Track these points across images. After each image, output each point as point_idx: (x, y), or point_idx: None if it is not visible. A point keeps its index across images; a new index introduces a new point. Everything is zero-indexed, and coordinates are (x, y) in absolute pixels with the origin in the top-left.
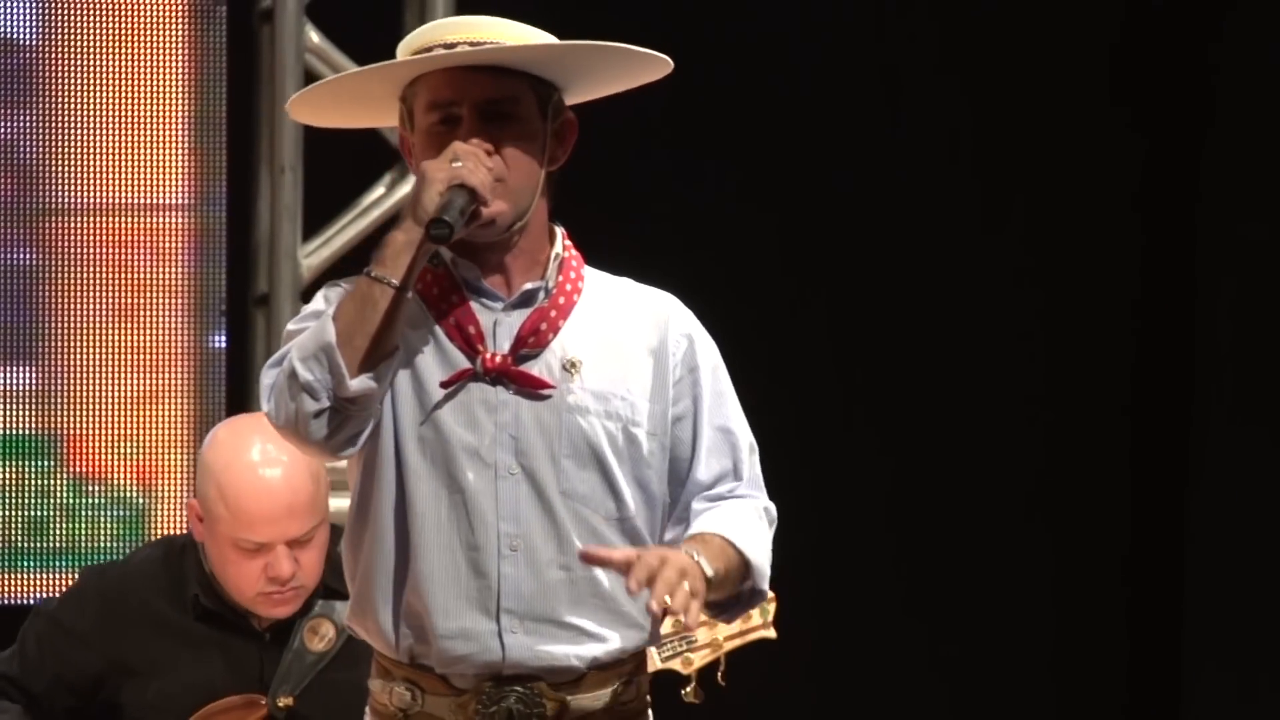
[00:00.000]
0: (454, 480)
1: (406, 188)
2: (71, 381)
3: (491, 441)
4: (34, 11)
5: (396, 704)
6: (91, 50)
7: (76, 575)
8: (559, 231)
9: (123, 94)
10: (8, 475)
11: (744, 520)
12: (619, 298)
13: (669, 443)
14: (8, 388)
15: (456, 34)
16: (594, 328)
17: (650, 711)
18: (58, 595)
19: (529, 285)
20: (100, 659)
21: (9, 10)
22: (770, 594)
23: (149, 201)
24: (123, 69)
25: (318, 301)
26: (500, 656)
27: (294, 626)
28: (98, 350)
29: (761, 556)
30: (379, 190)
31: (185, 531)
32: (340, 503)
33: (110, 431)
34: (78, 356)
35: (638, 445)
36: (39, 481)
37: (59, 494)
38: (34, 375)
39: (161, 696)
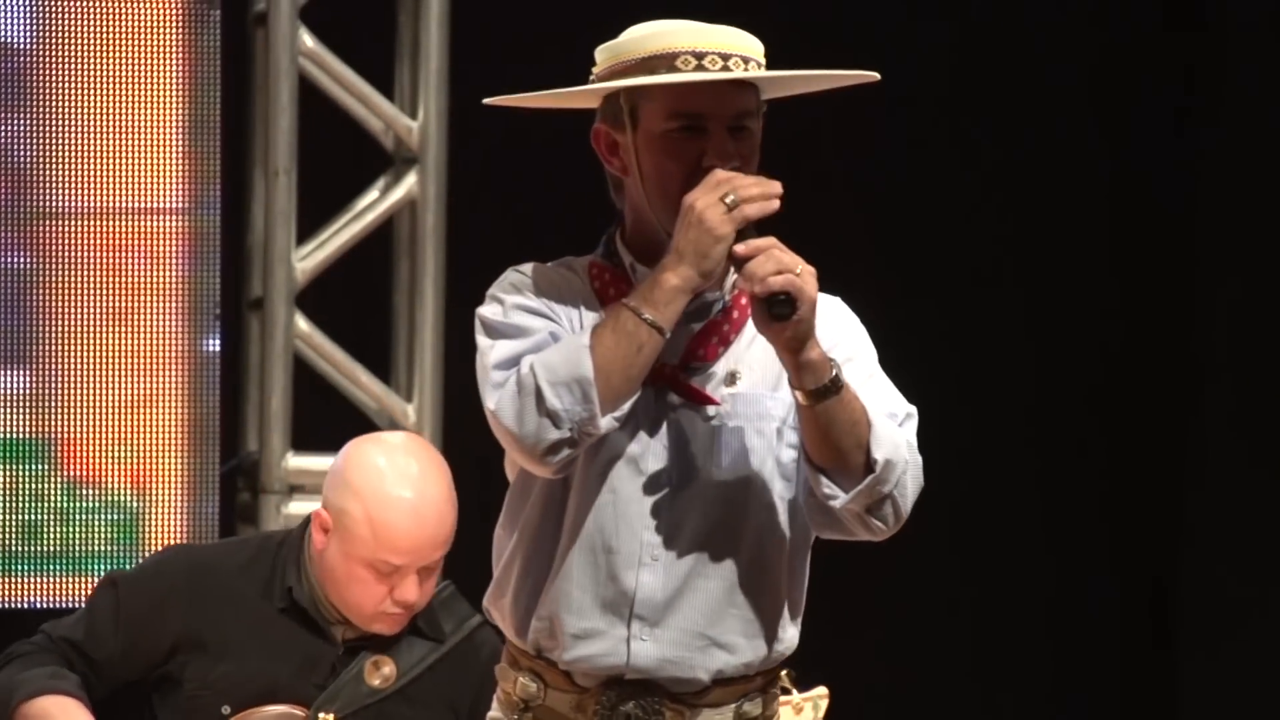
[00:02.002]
0: (607, 484)
1: (401, 191)
2: (66, 385)
3: (646, 450)
4: (29, 15)
5: (520, 694)
6: (86, 54)
7: (70, 580)
8: None
9: (117, 98)
10: (2, 479)
11: (881, 415)
12: None
13: None
14: (2, 392)
15: (703, 41)
16: (760, 339)
17: None
18: (126, 569)
19: (706, 295)
20: (178, 628)
21: (4, 14)
22: (824, 690)
23: (144, 205)
24: (117, 73)
25: (511, 292)
26: (625, 661)
27: (364, 649)
28: (92, 354)
29: (885, 431)
30: (373, 194)
31: (281, 529)
32: None
33: (105, 435)
34: (72, 360)
35: (784, 440)
36: (33, 485)
37: (53, 498)
38: (29, 379)
39: (226, 680)
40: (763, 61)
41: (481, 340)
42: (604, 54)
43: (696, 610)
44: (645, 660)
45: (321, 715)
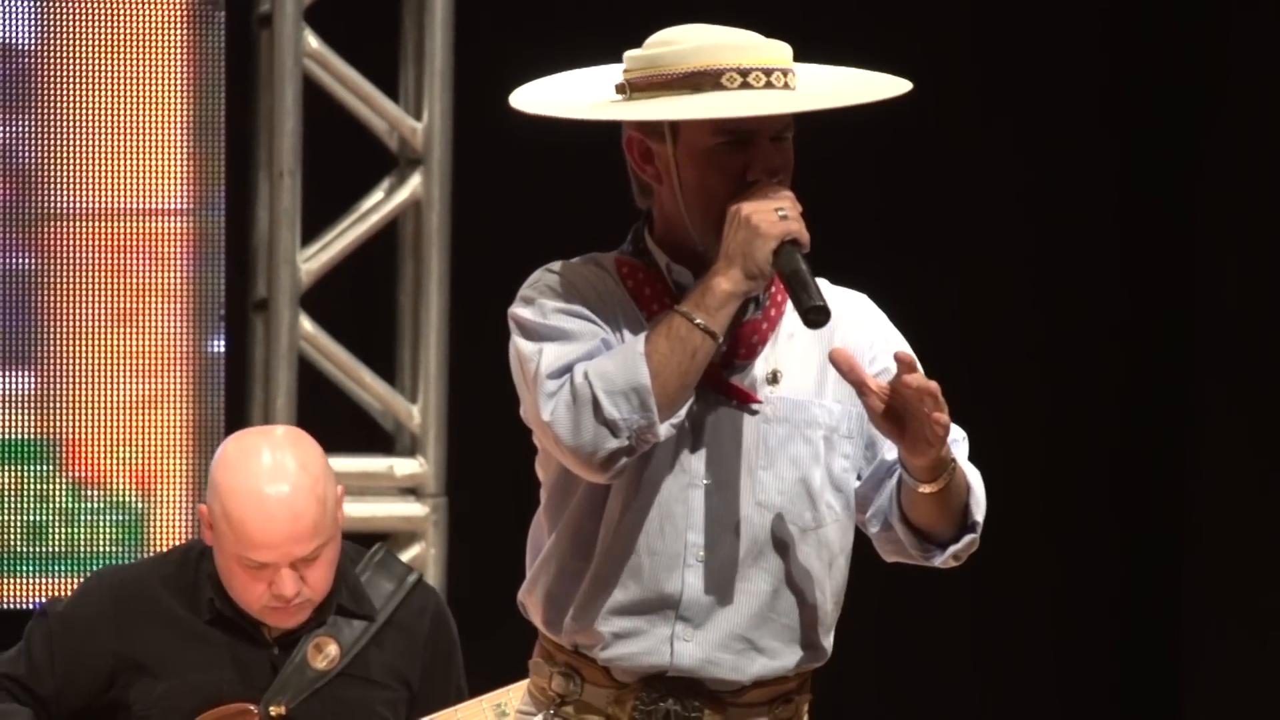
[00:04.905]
0: (649, 485)
1: (406, 192)
2: (71, 386)
3: (689, 450)
4: (34, 17)
5: (556, 689)
6: (91, 55)
7: (75, 580)
8: None
9: (122, 99)
10: (7, 480)
11: (961, 459)
12: None
13: (868, 440)
14: (7, 392)
15: (746, 58)
16: (797, 336)
17: None
18: (61, 597)
19: None
20: (112, 655)
21: (9, 15)
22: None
23: (148, 206)
24: (122, 74)
25: (548, 294)
26: (668, 661)
27: (301, 639)
28: (97, 355)
29: (979, 488)
30: (378, 195)
31: (197, 536)
32: (363, 509)
33: (110, 436)
34: (77, 361)
35: (836, 450)
36: (38, 486)
37: (58, 499)
38: (34, 380)
39: (168, 696)
40: (794, 69)
41: (523, 344)
42: (638, 63)
43: (739, 614)
44: (688, 660)
45: (272, 709)
